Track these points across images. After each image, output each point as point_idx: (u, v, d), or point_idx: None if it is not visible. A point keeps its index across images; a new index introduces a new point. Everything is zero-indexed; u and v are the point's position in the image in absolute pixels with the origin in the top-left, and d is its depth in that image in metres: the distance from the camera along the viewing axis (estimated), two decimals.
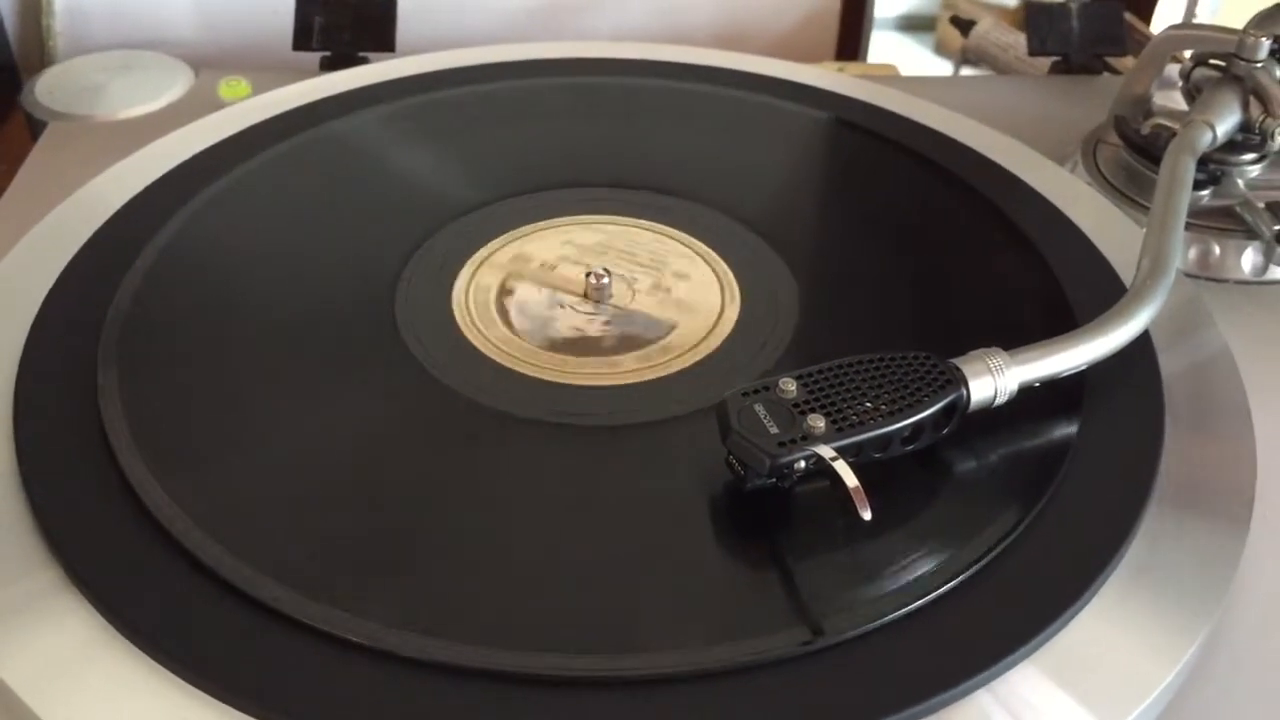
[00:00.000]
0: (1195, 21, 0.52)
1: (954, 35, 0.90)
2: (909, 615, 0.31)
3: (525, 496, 0.35)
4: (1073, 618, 0.32)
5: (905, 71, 0.72)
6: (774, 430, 0.33)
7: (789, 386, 0.34)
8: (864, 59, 0.86)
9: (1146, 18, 0.86)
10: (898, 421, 0.34)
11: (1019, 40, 0.72)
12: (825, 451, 0.32)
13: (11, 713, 0.29)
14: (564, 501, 0.35)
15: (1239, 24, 0.51)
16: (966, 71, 0.84)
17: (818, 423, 0.33)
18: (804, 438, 0.33)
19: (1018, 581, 0.32)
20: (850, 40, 0.86)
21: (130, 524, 0.33)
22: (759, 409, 0.33)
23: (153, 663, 0.30)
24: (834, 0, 0.83)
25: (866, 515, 0.31)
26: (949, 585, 0.32)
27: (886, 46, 0.99)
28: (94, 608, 0.31)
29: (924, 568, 0.32)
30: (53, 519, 0.33)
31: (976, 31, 0.76)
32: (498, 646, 0.30)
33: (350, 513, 0.34)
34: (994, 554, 0.33)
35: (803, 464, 0.33)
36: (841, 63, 0.78)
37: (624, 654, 0.30)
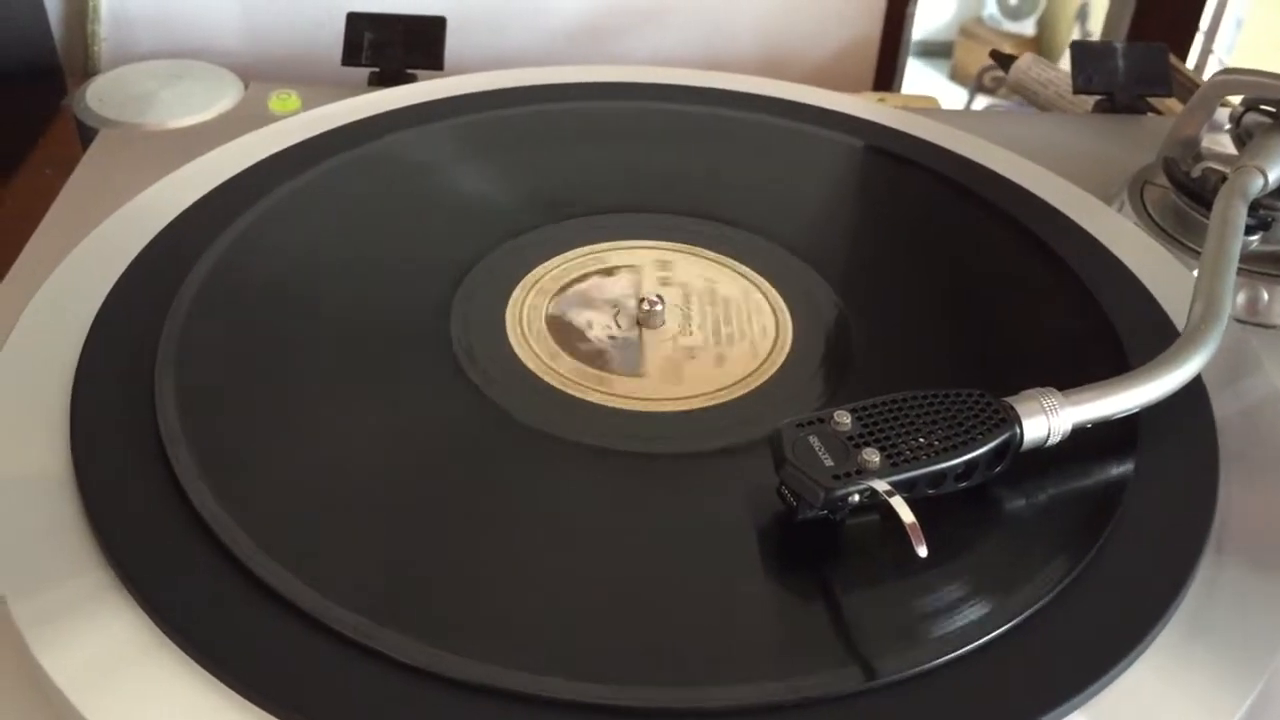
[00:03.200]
0: (1244, 66, 0.52)
1: (970, 61, 0.90)
2: (958, 660, 0.31)
3: (571, 522, 0.35)
4: (1125, 669, 0.31)
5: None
6: (829, 463, 0.33)
7: (843, 419, 0.34)
8: (899, 89, 0.87)
9: (1182, 56, 0.86)
10: (951, 459, 0.34)
11: (1060, 76, 0.72)
12: (881, 486, 0.32)
13: (56, 710, 0.30)
14: (608, 528, 0.35)
15: (1254, 65, 0.51)
16: (983, 99, 0.85)
17: (872, 457, 0.33)
18: (859, 471, 0.33)
19: (1069, 629, 0.32)
20: (886, 70, 0.86)
21: (182, 529, 0.33)
22: (813, 441, 0.33)
23: (197, 667, 0.30)
24: (873, 30, 0.84)
25: (923, 552, 0.31)
26: (1000, 630, 0.31)
27: (905, 72, 0.99)
28: (142, 610, 0.31)
29: (974, 612, 0.32)
30: (105, 521, 0.33)
31: (1018, 66, 0.76)
32: (542, 673, 0.30)
33: (400, 529, 0.35)
34: (1046, 600, 0.32)
35: (856, 497, 0.33)
36: (881, 93, 0.78)
37: (665, 686, 0.30)
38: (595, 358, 0.42)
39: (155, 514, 0.34)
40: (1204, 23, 1.00)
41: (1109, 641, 0.32)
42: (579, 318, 0.44)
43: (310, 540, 0.33)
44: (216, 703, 0.29)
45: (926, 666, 0.30)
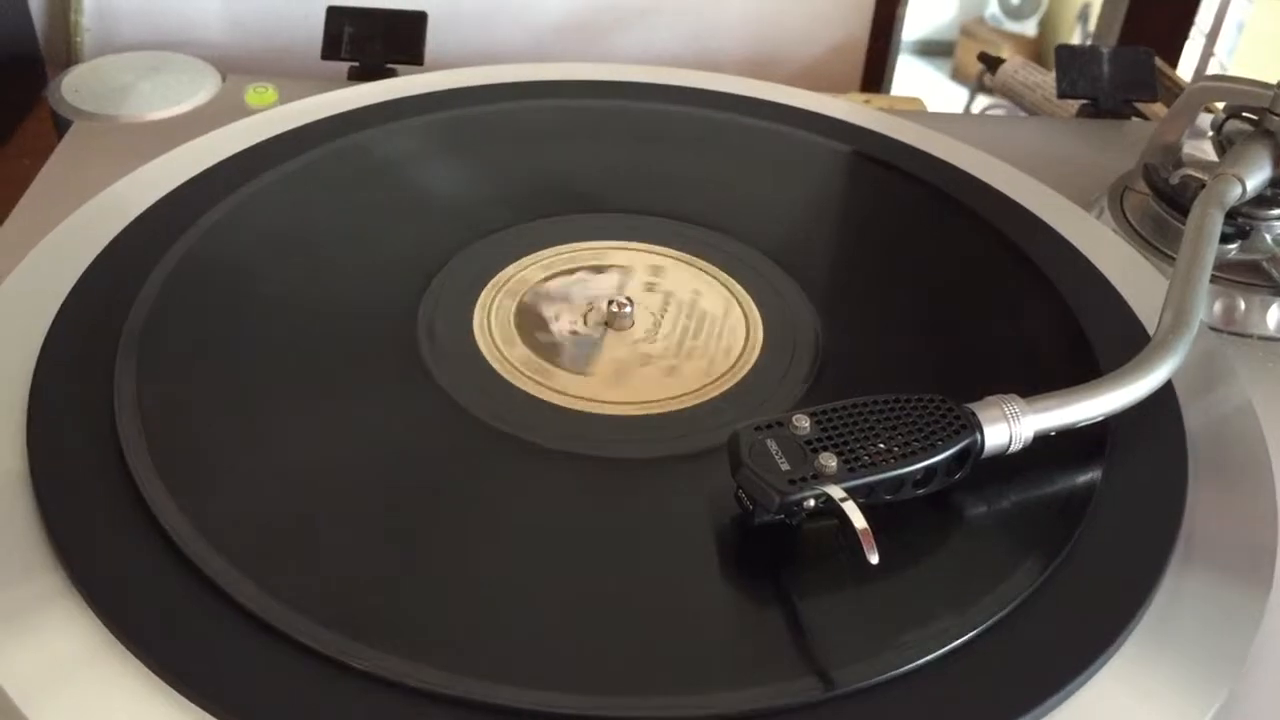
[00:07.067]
0: (1227, 73, 0.52)
1: (971, 61, 0.90)
2: (916, 671, 0.30)
3: (528, 527, 0.35)
4: (1089, 679, 0.31)
5: (923, 97, 0.71)
6: (785, 467, 0.32)
7: (802, 423, 0.34)
8: (889, 89, 0.86)
9: (1173, 63, 0.86)
10: (910, 465, 0.33)
11: (1047, 80, 0.72)
12: (835, 492, 0.32)
13: (5, 717, 0.29)
14: (566, 533, 0.35)
15: (1254, 70, 0.50)
16: (983, 99, 0.84)
17: (829, 461, 0.33)
18: (815, 476, 0.32)
19: (1032, 639, 0.32)
20: (876, 69, 0.85)
21: (137, 533, 0.33)
22: (771, 444, 0.33)
23: (150, 673, 0.29)
24: (862, 30, 0.83)
25: (874, 559, 0.30)
26: (960, 640, 0.31)
27: (905, 71, 0.99)
28: (95, 615, 0.30)
29: (934, 621, 0.32)
30: (59, 523, 0.33)
31: (1004, 70, 0.75)
32: (496, 680, 0.29)
33: (360, 535, 0.34)
34: (1008, 610, 0.32)
35: (812, 502, 0.32)
36: (868, 94, 0.78)
37: (618, 695, 0.30)
38: (559, 361, 0.41)
39: (111, 516, 0.33)
40: (1205, 26, 1.00)
41: (1072, 651, 0.31)
42: (547, 319, 0.43)
43: (268, 544, 0.33)
44: (170, 711, 0.28)
45: (884, 677, 0.30)
